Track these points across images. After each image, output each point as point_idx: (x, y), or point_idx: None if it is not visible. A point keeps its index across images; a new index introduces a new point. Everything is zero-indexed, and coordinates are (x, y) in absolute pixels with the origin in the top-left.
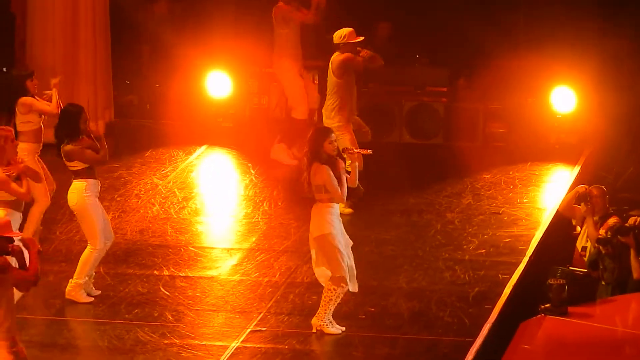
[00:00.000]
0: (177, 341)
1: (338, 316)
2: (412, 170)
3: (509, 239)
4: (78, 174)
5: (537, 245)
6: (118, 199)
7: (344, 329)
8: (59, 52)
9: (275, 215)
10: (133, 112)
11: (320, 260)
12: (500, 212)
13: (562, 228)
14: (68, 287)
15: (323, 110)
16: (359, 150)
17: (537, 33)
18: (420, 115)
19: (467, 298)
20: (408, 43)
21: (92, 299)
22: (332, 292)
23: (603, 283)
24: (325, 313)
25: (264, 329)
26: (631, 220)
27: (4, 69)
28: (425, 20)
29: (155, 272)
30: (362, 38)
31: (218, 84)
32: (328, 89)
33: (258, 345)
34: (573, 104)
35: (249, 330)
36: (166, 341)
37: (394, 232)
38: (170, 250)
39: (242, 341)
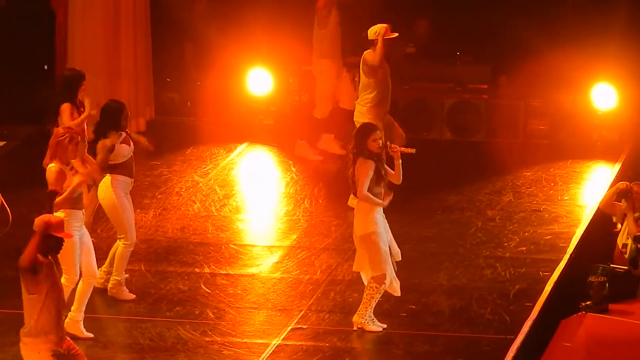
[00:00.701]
0: (218, 339)
1: (379, 313)
2: (453, 168)
3: (549, 237)
4: (110, 169)
5: (577, 243)
6: (159, 196)
7: (385, 326)
8: (100, 50)
9: (316, 212)
10: (174, 109)
11: (363, 258)
12: (541, 209)
13: (603, 225)
14: (109, 285)
15: (356, 105)
16: (402, 148)
17: (579, 29)
18: (461, 113)
19: (508, 295)
20: (449, 40)
21: (134, 296)
22: (373, 290)
23: None
24: (366, 310)
25: (305, 326)
26: None
27: (45, 67)
28: (467, 17)
29: (196, 269)
30: (396, 34)
31: (259, 81)
32: (360, 85)
33: (299, 343)
34: (614, 101)
35: (290, 327)
36: (207, 339)
37: (435, 229)
38: (211, 247)
39: (283, 339)
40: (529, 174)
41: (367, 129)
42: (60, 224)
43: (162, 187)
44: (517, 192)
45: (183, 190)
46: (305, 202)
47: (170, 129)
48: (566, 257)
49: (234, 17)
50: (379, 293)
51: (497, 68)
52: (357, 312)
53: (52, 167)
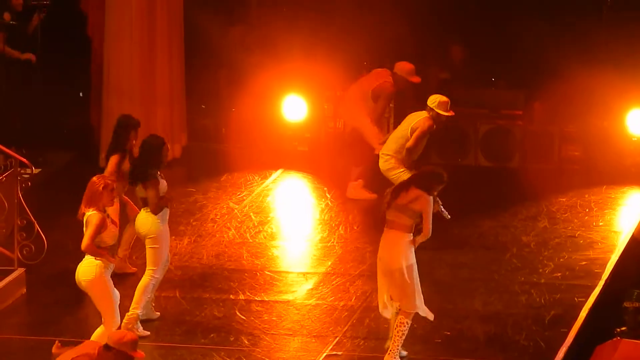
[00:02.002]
0: None
1: (413, 340)
2: (487, 194)
3: (584, 262)
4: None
5: (612, 269)
6: (194, 223)
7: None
8: (135, 76)
9: (351, 239)
10: (208, 136)
11: (405, 292)
12: (576, 235)
13: (637, 251)
14: (125, 320)
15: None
16: (442, 207)
17: (614, 53)
18: (496, 138)
19: (543, 321)
20: (483, 66)
21: (148, 333)
22: (404, 327)
23: None
24: (398, 349)
25: (340, 353)
26: None
27: (81, 94)
28: (500, 42)
29: (231, 296)
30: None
31: (294, 107)
32: (399, 138)
33: None
34: None
35: (325, 354)
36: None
37: (470, 255)
38: (246, 274)
39: None
40: (563, 200)
41: (440, 178)
42: (134, 343)
43: (197, 213)
44: (552, 218)
45: (218, 217)
46: (340, 228)
47: (205, 156)
48: (601, 282)
49: (268, 43)
50: (408, 328)
51: (531, 94)
52: (389, 352)
53: (93, 215)
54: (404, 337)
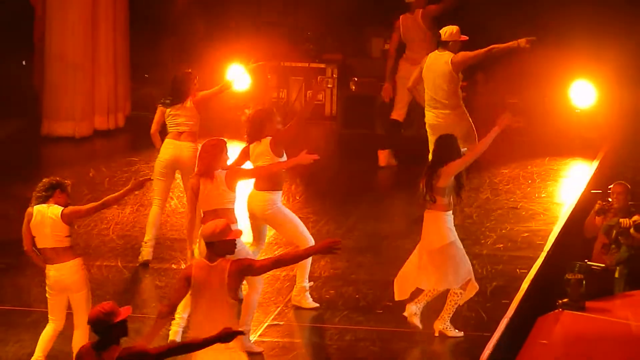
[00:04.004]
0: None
1: (355, 310)
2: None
3: (526, 234)
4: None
5: (554, 240)
6: (136, 193)
7: (462, 334)
8: (79, 44)
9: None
10: (152, 105)
11: (441, 270)
12: (519, 206)
13: (580, 222)
14: (294, 293)
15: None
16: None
17: (558, 26)
18: None
19: (485, 293)
20: None
21: (317, 305)
22: (458, 297)
23: (617, 276)
24: (449, 317)
25: (282, 322)
26: (624, 222)
27: (24, 62)
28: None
29: (173, 265)
30: (466, 38)
31: (239, 77)
32: (444, 93)
33: (275, 340)
34: (593, 99)
35: (266, 324)
36: (185, 334)
37: (412, 226)
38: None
39: (260, 335)
40: (506, 171)
41: (454, 141)
42: (226, 227)
43: None
44: (494, 189)
45: None
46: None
47: (148, 125)
48: (543, 254)
49: (214, 12)
50: (462, 298)
51: (474, 65)
52: (439, 317)
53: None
54: (456, 306)
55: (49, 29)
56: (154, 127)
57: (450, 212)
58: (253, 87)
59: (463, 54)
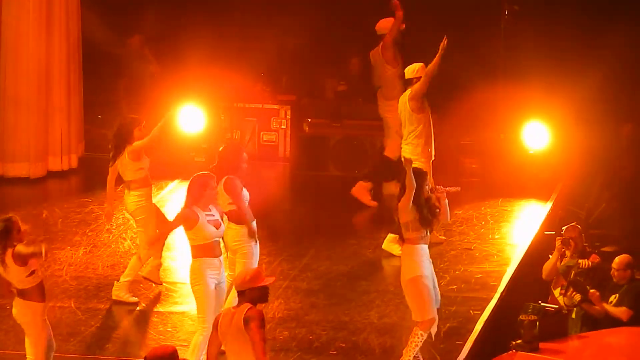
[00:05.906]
0: None
1: (310, 351)
2: (384, 206)
3: (480, 275)
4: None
5: (508, 282)
6: (89, 233)
7: None
8: (33, 85)
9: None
10: (105, 146)
11: (412, 302)
12: (472, 248)
13: (533, 264)
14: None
15: (404, 146)
16: (447, 188)
17: (511, 67)
18: None
19: (439, 334)
20: None
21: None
22: (419, 338)
23: (573, 317)
24: (409, 358)
25: None
26: (583, 263)
27: None
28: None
29: (127, 307)
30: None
31: (191, 118)
32: (406, 124)
33: None
34: (546, 140)
35: None
36: None
37: (366, 267)
38: (141, 285)
39: None
40: (459, 212)
41: (418, 177)
42: (257, 274)
43: (93, 224)
44: (448, 230)
45: (114, 227)
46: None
47: (101, 166)
48: (497, 295)
49: (168, 52)
50: (423, 340)
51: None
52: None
53: None
54: (417, 348)
55: (3, 70)
56: (110, 185)
57: (423, 245)
58: (206, 128)
59: (413, 90)
